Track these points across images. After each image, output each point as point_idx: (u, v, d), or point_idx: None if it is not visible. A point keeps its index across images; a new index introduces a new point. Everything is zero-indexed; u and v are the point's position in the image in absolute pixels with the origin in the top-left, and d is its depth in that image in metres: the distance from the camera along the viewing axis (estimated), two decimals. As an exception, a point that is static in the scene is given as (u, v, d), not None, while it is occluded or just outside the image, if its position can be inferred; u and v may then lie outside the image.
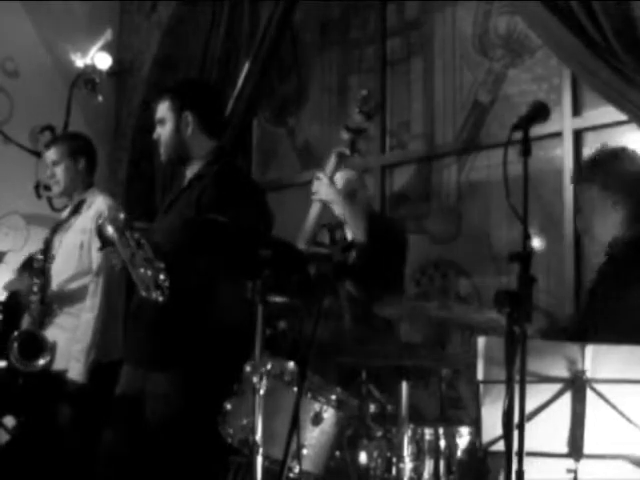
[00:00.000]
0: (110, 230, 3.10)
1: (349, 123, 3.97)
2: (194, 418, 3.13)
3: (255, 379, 2.61)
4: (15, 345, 3.89)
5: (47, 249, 4.08)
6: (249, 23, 5.24)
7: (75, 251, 4.03)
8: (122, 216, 3.10)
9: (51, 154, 4.20)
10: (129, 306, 3.54)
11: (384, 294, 3.63)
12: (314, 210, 3.92)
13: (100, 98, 5.66)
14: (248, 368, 2.87)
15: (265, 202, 3.33)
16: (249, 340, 2.68)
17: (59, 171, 4.17)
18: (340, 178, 4.00)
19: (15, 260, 5.06)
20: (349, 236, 3.89)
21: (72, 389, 3.84)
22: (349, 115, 4.06)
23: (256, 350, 2.64)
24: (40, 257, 4.05)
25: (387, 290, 3.82)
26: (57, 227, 4.18)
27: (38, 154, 5.08)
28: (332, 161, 3.94)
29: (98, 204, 4.09)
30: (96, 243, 3.93)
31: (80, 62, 5.62)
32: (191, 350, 3.14)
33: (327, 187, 3.87)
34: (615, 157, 3.03)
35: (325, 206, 3.91)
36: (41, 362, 3.87)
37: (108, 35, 5.66)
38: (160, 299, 3.03)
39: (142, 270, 3.05)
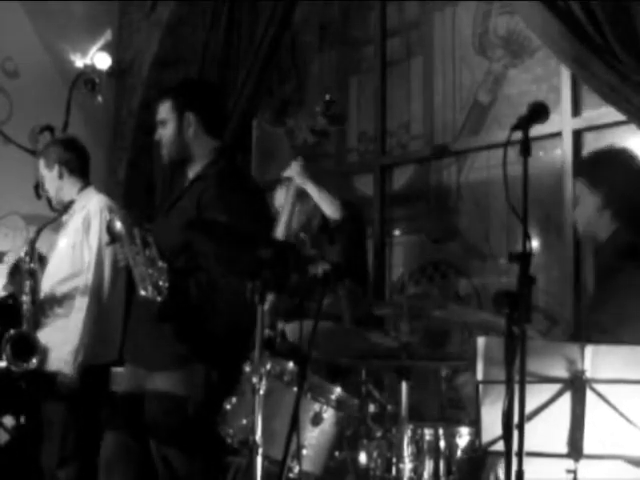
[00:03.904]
0: (118, 225, 3.11)
1: (314, 126, 4.00)
2: (194, 418, 3.12)
3: (255, 379, 2.61)
4: (8, 346, 3.88)
5: (32, 250, 4.03)
6: (249, 23, 5.24)
7: (68, 252, 4.00)
8: (128, 214, 3.12)
9: (39, 166, 4.20)
10: (130, 306, 3.53)
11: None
12: (289, 197, 3.96)
13: (100, 98, 5.66)
14: (248, 368, 2.87)
15: (266, 202, 3.33)
16: (249, 340, 2.68)
17: (45, 182, 4.16)
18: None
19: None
20: (326, 213, 4.02)
21: (63, 391, 3.82)
22: (314, 118, 4.09)
23: (256, 350, 2.64)
24: (27, 258, 4.03)
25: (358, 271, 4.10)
26: (43, 227, 4.11)
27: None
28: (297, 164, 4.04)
29: (91, 205, 4.04)
30: (87, 243, 3.96)
31: (80, 62, 5.62)
32: (192, 350, 3.14)
33: (301, 169, 3.99)
34: (609, 157, 3.01)
35: (300, 195, 4.02)
36: (33, 363, 3.87)
37: (108, 35, 5.66)
38: (158, 299, 3.03)
39: (144, 268, 3.05)
